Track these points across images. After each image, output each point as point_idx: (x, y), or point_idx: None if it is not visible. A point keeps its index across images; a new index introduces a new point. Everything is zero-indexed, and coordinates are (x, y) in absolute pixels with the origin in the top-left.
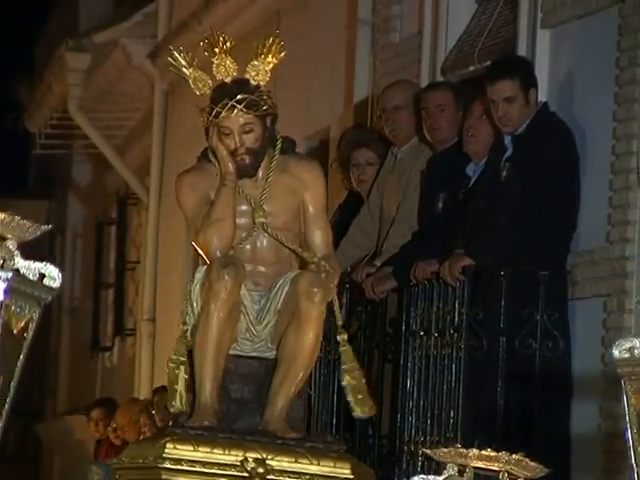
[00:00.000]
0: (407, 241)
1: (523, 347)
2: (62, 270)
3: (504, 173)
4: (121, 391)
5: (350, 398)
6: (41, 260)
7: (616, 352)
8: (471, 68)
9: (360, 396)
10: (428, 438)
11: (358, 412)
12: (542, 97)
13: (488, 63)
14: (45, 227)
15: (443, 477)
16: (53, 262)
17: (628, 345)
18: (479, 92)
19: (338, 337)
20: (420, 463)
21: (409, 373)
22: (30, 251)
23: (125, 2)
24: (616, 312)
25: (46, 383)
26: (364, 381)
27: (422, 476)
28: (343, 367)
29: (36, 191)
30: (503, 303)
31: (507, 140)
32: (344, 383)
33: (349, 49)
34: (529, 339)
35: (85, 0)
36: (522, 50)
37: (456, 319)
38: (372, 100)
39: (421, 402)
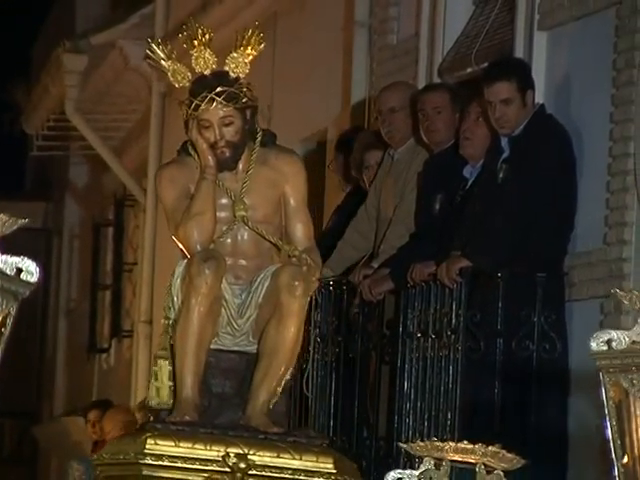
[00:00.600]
0: (404, 243)
1: (520, 349)
2: (59, 271)
3: (501, 175)
4: (118, 393)
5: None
6: (35, 259)
7: (594, 344)
8: (468, 70)
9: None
10: (425, 440)
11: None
12: (539, 99)
13: (485, 65)
14: (22, 221)
15: (420, 471)
16: (50, 263)
17: (606, 337)
18: (476, 94)
19: None
20: (417, 464)
21: (406, 375)
22: (27, 252)
23: (122, 4)
24: (613, 314)
25: (43, 384)
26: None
27: (399, 471)
28: None
29: (33, 193)
30: (500, 305)
31: (504, 142)
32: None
33: (346, 51)
34: (526, 341)
35: (82, 2)
36: (519, 52)
37: (453, 321)
38: (369, 102)
39: (418, 404)
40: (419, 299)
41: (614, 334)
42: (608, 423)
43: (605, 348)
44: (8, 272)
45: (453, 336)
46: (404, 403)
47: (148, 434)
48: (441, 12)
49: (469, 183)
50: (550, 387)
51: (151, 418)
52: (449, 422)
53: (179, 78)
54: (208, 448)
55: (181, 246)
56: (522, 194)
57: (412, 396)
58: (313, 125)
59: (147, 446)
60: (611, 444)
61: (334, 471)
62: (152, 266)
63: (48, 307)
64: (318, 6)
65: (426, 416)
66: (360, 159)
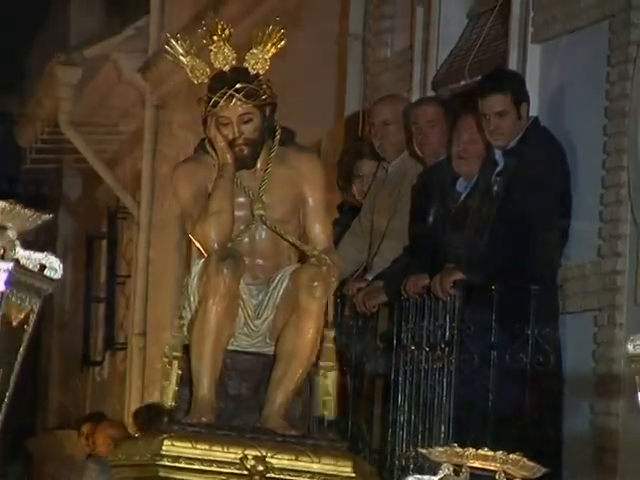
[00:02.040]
0: (398, 255)
1: (514, 361)
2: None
3: (495, 187)
4: (112, 405)
5: (317, 397)
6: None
7: (630, 347)
8: (462, 83)
9: (327, 397)
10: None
11: (318, 412)
12: (533, 112)
13: (479, 78)
14: (46, 216)
15: (439, 477)
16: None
17: None
18: (467, 107)
19: (326, 331)
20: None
21: (400, 387)
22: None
23: (116, 16)
24: (607, 326)
25: (36, 397)
26: (335, 384)
27: (417, 476)
28: (321, 364)
29: (26, 205)
30: (494, 317)
31: (498, 154)
32: (318, 381)
33: (340, 63)
34: (520, 354)
35: (76, 14)
36: (513, 65)
37: (447, 333)
38: (363, 114)
39: (412, 417)
40: (413, 312)
41: None
42: None
43: None
44: (31, 268)
45: (447, 349)
46: (398, 416)
47: (165, 435)
48: (435, 25)
49: (463, 196)
50: (544, 400)
51: (165, 420)
52: (442, 434)
53: (197, 74)
54: (225, 450)
55: (198, 245)
56: (516, 206)
57: (406, 408)
58: (307, 137)
59: (164, 447)
60: None
61: (353, 475)
62: (146, 279)
63: (42, 320)
64: (312, 19)
65: (420, 429)
66: (350, 168)
